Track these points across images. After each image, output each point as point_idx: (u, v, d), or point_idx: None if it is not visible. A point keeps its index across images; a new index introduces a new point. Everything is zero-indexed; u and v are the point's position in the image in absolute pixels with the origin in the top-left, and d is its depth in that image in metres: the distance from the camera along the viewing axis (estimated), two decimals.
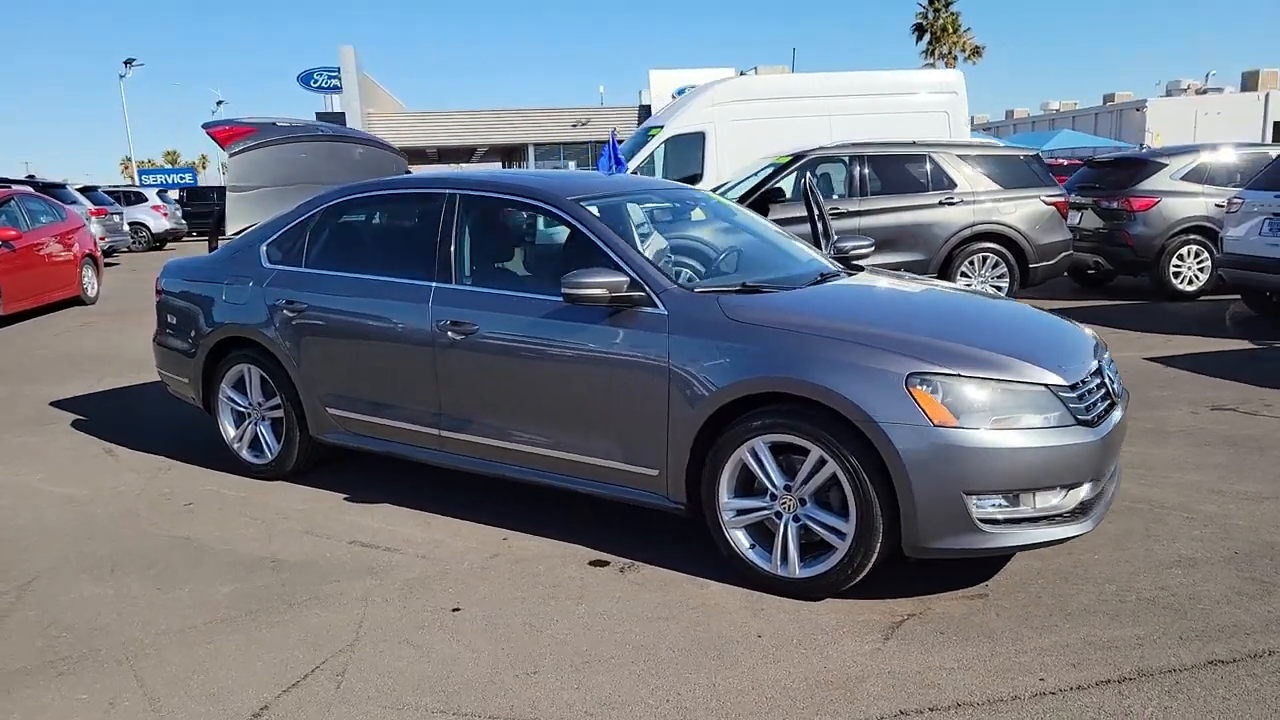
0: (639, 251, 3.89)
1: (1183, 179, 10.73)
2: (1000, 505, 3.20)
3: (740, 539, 3.55)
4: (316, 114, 53.16)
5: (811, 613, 3.35)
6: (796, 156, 9.52)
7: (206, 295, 5.09)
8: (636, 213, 4.55)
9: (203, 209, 32.72)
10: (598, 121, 49.52)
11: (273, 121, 5.51)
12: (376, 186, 4.93)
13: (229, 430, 5.09)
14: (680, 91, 13.88)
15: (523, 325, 3.96)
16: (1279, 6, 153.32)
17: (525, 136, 49.26)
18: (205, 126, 5.51)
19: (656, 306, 3.69)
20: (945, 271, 9.56)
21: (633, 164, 11.85)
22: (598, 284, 3.65)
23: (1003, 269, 9.66)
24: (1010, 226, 9.65)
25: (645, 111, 48.03)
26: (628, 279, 3.70)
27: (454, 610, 3.45)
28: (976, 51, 49.97)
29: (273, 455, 4.93)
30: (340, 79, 49.94)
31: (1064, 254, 9.98)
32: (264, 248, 4.95)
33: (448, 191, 4.39)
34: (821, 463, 3.32)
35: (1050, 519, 3.27)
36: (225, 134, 5.37)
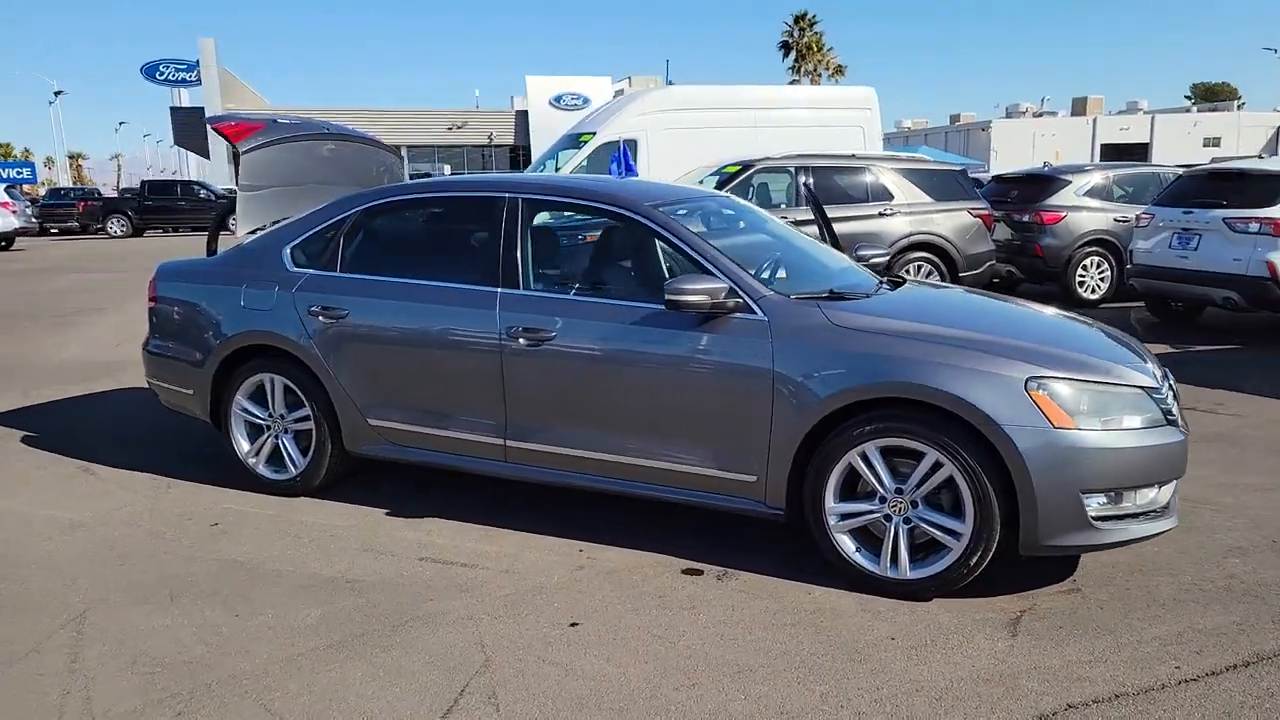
0: (730, 258, 3.89)
1: (1085, 195, 11.53)
2: (1108, 502, 3.37)
3: (846, 543, 3.61)
4: (170, 108, 50.50)
5: (927, 613, 3.43)
6: (745, 165, 9.70)
7: (219, 301, 4.76)
8: (699, 220, 4.55)
9: (66, 206, 30.84)
10: (475, 124, 48.87)
11: (274, 118, 5.20)
12: (419, 189, 4.74)
13: (242, 444, 4.77)
14: (618, 94, 13.83)
15: (607, 332, 3.90)
16: (1101, 41, 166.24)
17: (398, 138, 47.99)
18: (211, 122, 5.14)
19: (754, 313, 3.70)
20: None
21: (566, 169, 11.79)
22: (701, 290, 3.64)
23: (936, 277, 10.12)
24: (942, 236, 10.12)
25: (522, 117, 47.78)
26: (726, 285, 3.70)
27: (572, 625, 3.36)
28: (840, 70, 52.00)
29: (297, 470, 4.65)
30: (193, 72, 47.50)
31: (988, 263, 10.55)
32: (288, 251, 4.67)
33: (508, 195, 4.27)
34: (937, 465, 3.41)
35: (1147, 515, 3.47)
36: (234, 130, 5.03)
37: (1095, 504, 3.35)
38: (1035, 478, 3.28)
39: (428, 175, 46.01)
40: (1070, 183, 11.56)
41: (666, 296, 3.67)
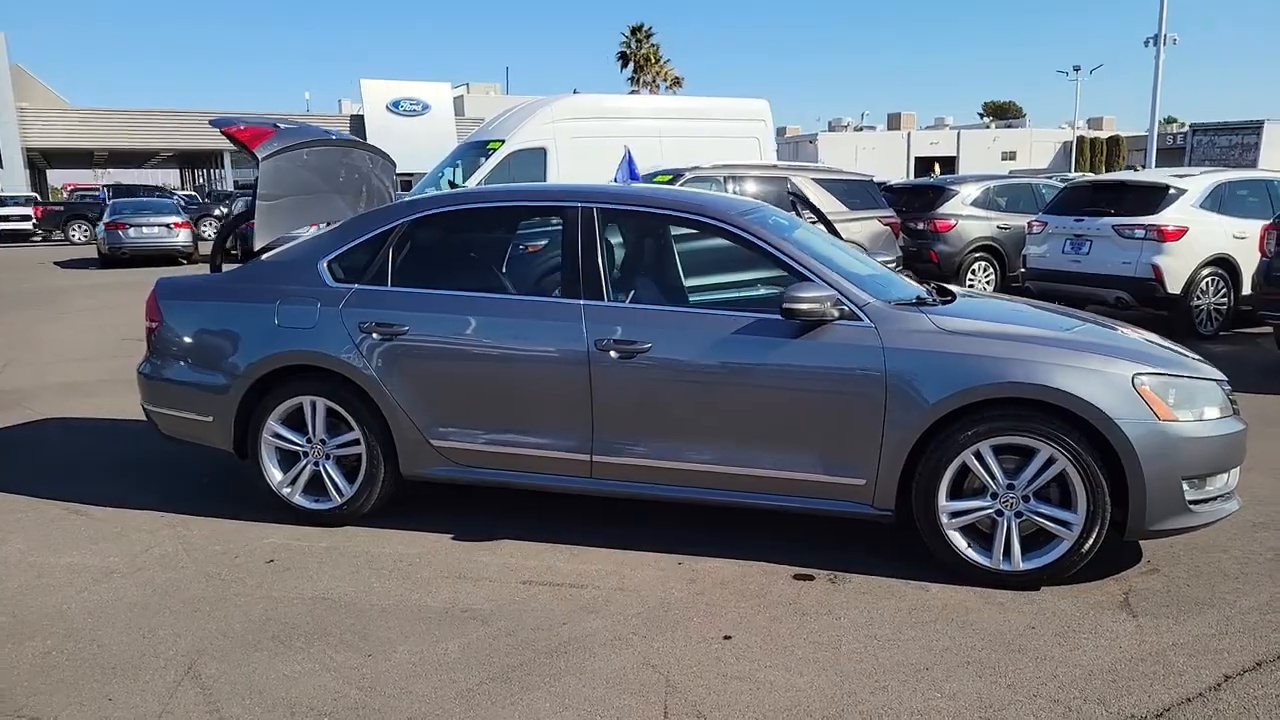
0: (830, 267, 3.96)
1: (972, 205, 12.35)
2: (1197, 487, 3.67)
3: (958, 540, 3.74)
4: None
5: (1045, 602, 3.61)
6: (675, 175, 9.80)
7: (246, 320, 4.40)
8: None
9: None
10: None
11: (273, 122, 4.84)
12: (475, 199, 4.56)
13: (274, 473, 4.42)
14: (509, 110, 13.56)
15: (709, 343, 3.88)
16: (907, 59, 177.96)
17: (218, 142, 45.22)
18: (218, 125, 4.72)
19: (861, 320, 3.79)
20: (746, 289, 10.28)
21: (476, 177, 11.55)
22: (816, 299, 3.70)
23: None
24: (858, 244, 10.55)
25: (358, 121, 46.10)
26: (834, 294, 3.77)
27: (726, 638, 3.33)
28: (677, 81, 53.17)
29: (343, 497, 4.36)
30: None
31: (897, 270, 11.10)
32: (325, 264, 4.38)
33: (579, 205, 4.17)
34: (1050, 461, 3.60)
35: (1222, 498, 3.79)
36: (248, 134, 4.64)
37: (1190, 489, 3.63)
38: (1145, 467, 3.52)
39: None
40: (958, 193, 12.35)
41: (783, 305, 3.70)
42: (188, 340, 4.53)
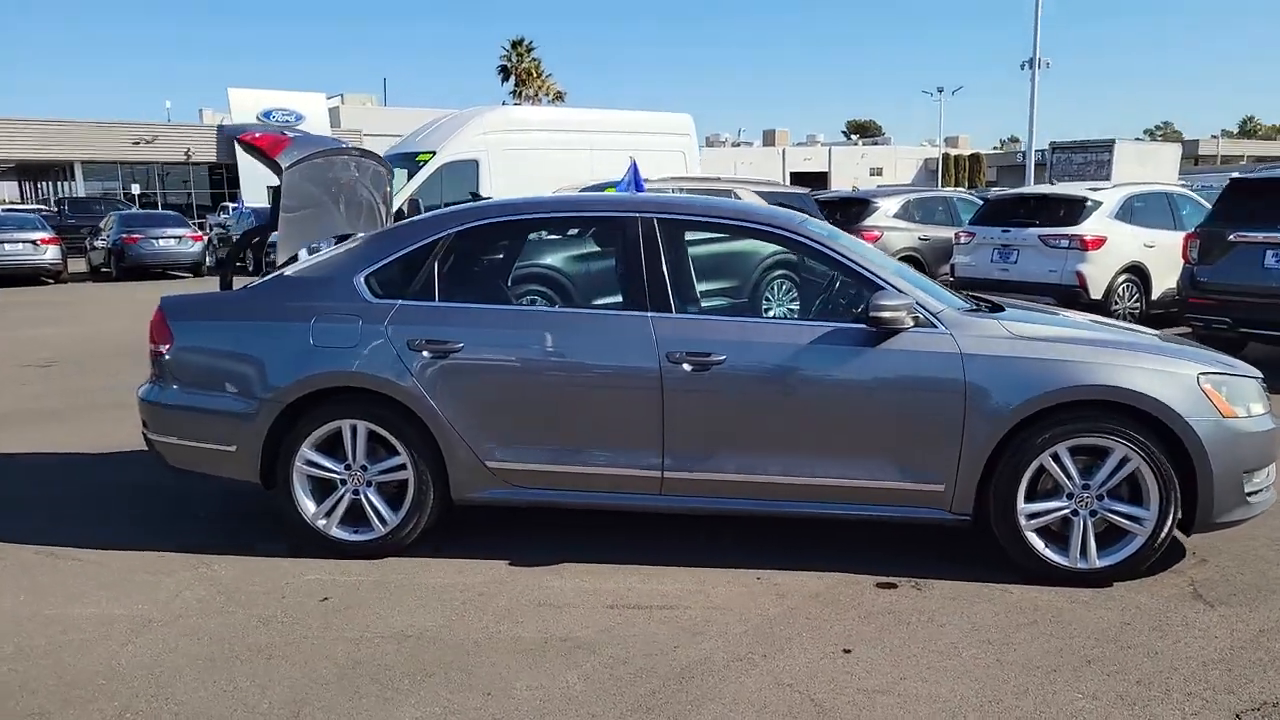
0: (901, 275, 3.98)
1: (894, 217, 12.78)
2: (1250, 480, 3.85)
3: (1036, 541, 3.81)
4: None
5: (1124, 597, 3.71)
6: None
7: (274, 340, 4.08)
8: None
9: None
10: (167, 139, 44.28)
11: (283, 130, 4.54)
12: (523, 210, 4.35)
13: (308, 505, 4.12)
14: (404, 135, 13.07)
15: (785, 353, 3.84)
16: (787, 77, 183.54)
17: (69, 153, 42.49)
18: (233, 134, 4.37)
19: (936, 327, 3.83)
20: (753, 298, 10.40)
21: (409, 189, 11.20)
22: (900, 307, 3.71)
23: (794, 294, 10.74)
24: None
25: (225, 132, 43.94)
26: (911, 301, 3.80)
27: (846, 651, 3.28)
28: (559, 96, 53.16)
29: (387, 527, 4.09)
30: None
31: None
32: (361, 280, 4.12)
33: (640, 215, 4.07)
34: (1124, 460, 3.72)
35: (1267, 489, 3.99)
36: (268, 141, 4.31)
37: (1247, 483, 3.81)
38: (1214, 463, 3.68)
39: (128, 194, 41.06)
40: (880, 206, 12.76)
41: (870, 314, 3.70)
42: (206, 363, 4.18)
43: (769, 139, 67.67)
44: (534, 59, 52.35)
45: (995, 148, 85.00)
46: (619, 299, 4.02)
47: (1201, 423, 3.67)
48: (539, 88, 51.74)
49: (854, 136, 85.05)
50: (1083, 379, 3.70)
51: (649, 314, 3.93)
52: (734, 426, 3.88)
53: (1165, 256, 10.56)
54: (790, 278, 10.64)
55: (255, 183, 41.95)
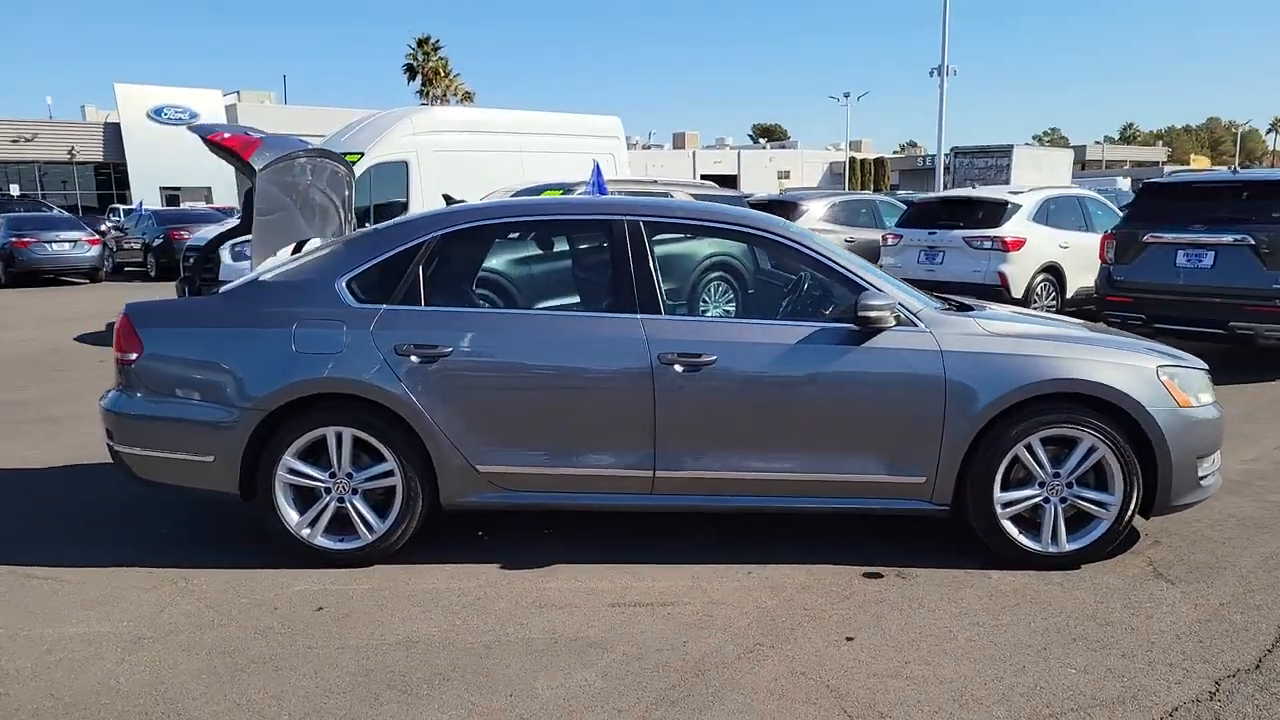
0: (876, 276, 4.13)
1: (821, 220, 13.08)
2: (1202, 465, 4.11)
3: (1010, 528, 4.01)
4: None
5: (1094, 578, 3.92)
6: (567, 190, 9.76)
7: (253, 346, 4.00)
8: None
9: None
10: (49, 137, 42.14)
11: (248, 130, 4.41)
12: (507, 212, 4.35)
13: (291, 514, 4.04)
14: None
15: (775, 352, 3.94)
16: (685, 79, 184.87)
17: None
18: (200, 132, 4.21)
19: (916, 325, 3.99)
20: (691, 297, 10.53)
21: None
22: (885, 306, 3.86)
23: (731, 295, 10.92)
24: (735, 258, 10.93)
25: (113, 130, 42.12)
26: (893, 301, 3.95)
27: (848, 639, 3.40)
28: (468, 96, 52.53)
29: (374, 534, 4.05)
30: None
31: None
32: (343, 284, 4.07)
33: (626, 218, 4.12)
34: (1092, 449, 3.94)
35: (1215, 473, 4.27)
36: (239, 142, 4.18)
37: (1199, 467, 4.08)
38: (1172, 450, 3.93)
39: (5, 194, 38.76)
40: (808, 209, 13.06)
41: (859, 314, 3.84)
42: (179, 371, 4.06)
43: (679, 141, 68.27)
44: (441, 58, 51.64)
45: (895, 152, 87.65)
46: (607, 301, 4.06)
47: (1161, 412, 3.92)
48: (447, 87, 51.06)
49: (762, 140, 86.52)
50: (1055, 373, 3.90)
51: (639, 316, 3.99)
52: (724, 425, 3.97)
53: (1078, 256, 11.11)
54: (727, 279, 10.82)
55: (146, 183, 40.41)
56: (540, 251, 4.54)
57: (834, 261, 4.11)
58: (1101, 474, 3.98)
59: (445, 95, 51.28)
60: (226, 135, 4.23)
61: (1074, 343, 4.05)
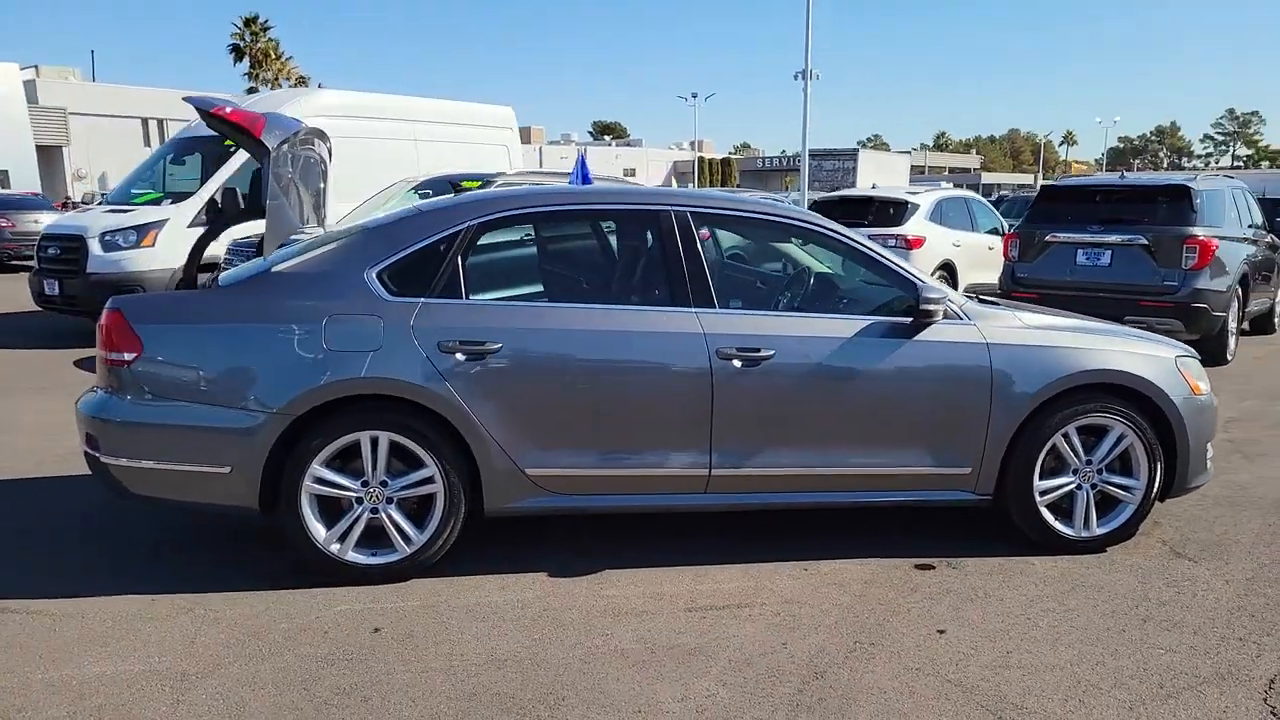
0: (920, 271, 4.16)
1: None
2: (1208, 449, 4.37)
3: (1047, 515, 4.13)
4: None
5: (1123, 560, 4.09)
6: (486, 182, 9.42)
7: (276, 344, 3.60)
8: None
9: None
10: None
11: (235, 105, 3.95)
12: (549, 199, 4.08)
13: (318, 529, 3.68)
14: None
15: (832, 346, 3.90)
16: (531, 73, 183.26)
17: None
18: (202, 105, 3.72)
19: (961, 318, 4.04)
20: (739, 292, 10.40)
21: (220, 175, 10.21)
22: (941, 300, 3.89)
23: (771, 289, 10.83)
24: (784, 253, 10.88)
25: None
26: (946, 294, 3.99)
27: (940, 632, 3.40)
28: (303, 80, 50.14)
29: (413, 546, 3.74)
30: None
31: None
32: (373, 275, 3.73)
33: (671, 207, 3.98)
34: (1121, 436, 4.11)
35: (1212, 457, 4.54)
36: (245, 118, 3.73)
37: (1207, 451, 4.34)
38: (1190, 436, 4.16)
39: None
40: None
41: (923, 307, 3.86)
42: (188, 372, 3.61)
43: (525, 136, 67.34)
44: (270, 39, 49.05)
45: (731, 152, 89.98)
46: (660, 294, 3.91)
47: (1180, 400, 4.14)
48: (278, 71, 48.55)
49: (606, 137, 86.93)
50: (1092, 364, 4.04)
51: (695, 310, 3.86)
52: (780, 421, 3.90)
53: (968, 255, 11.72)
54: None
55: None
56: (581, 241, 4.32)
57: (882, 257, 4.11)
58: (1126, 460, 4.16)
59: (276, 79, 48.76)
60: (229, 110, 3.79)
61: (1101, 334, 4.22)
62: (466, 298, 3.78)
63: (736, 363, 3.81)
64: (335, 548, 3.70)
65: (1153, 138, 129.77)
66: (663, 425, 3.83)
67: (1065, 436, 4.07)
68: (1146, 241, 8.78)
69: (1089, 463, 4.12)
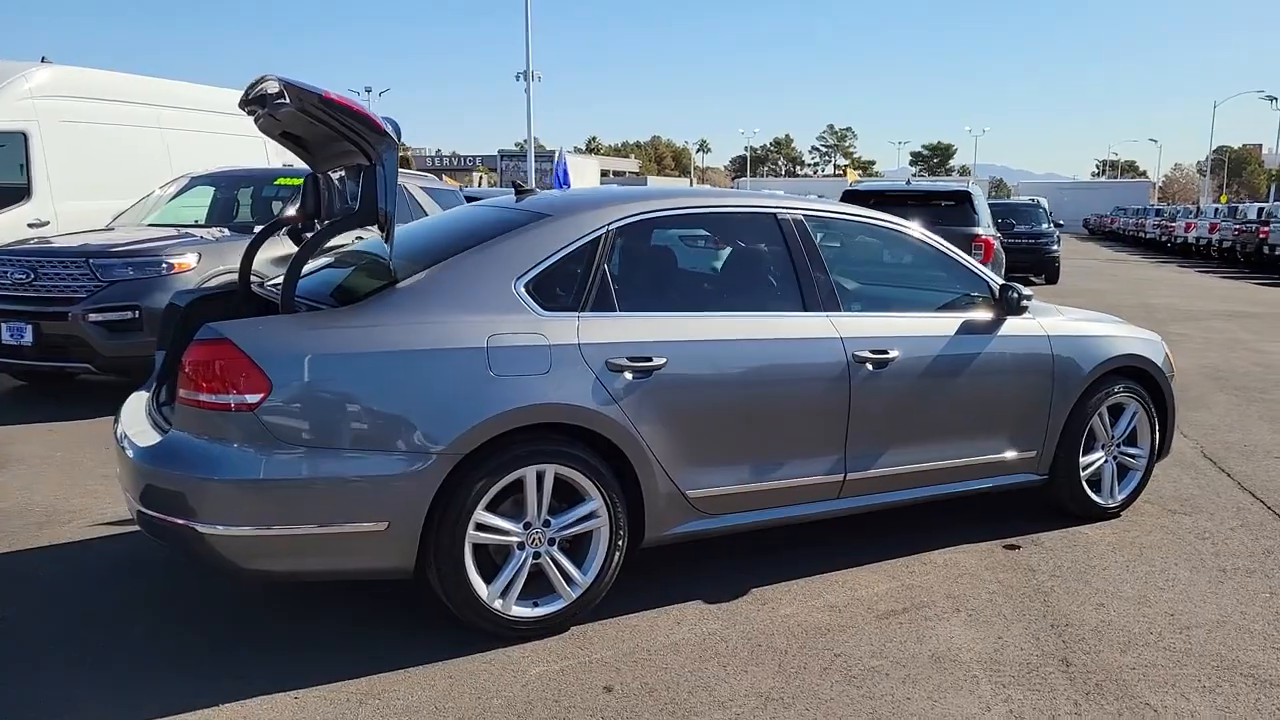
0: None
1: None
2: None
3: (1087, 488, 4.58)
4: None
5: (1138, 521, 4.63)
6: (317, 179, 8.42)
7: (435, 371, 3.04)
8: None
9: None
10: None
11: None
12: (672, 201, 3.73)
13: (480, 585, 3.17)
14: None
15: (942, 344, 4.03)
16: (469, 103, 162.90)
17: None
18: (311, 91, 2.91)
19: (1027, 313, 4.36)
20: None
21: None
22: (1031, 296, 4.18)
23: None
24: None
25: None
26: (1028, 292, 4.28)
27: (1099, 606, 3.66)
28: None
29: (578, 590, 3.33)
30: None
31: None
32: (522, 288, 3.27)
33: (784, 211, 3.89)
34: (1135, 412, 4.67)
35: None
36: (363, 111, 2.99)
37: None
38: (1173, 409, 4.82)
39: None
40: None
41: (1020, 304, 4.12)
42: (331, 414, 2.93)
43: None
44: None
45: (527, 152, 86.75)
46: (790, 299, 3.79)
47: (1168, 379, 4.78)
48: None
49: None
50: (1120, 350, 4.54)
51: (828, 314, 3.81)
52: (902, 420, 3.97)
53: None
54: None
55: None
56: (707, 246, 4.05)
57: (961, 258, 4.32)
58: (1133, 432, 4.72)
59: None
60: (335, 96, 3.11)
61: (1115, 324, 4.76)
62: (619, 309, 3.43)
63: (868, 365, 3.81)
64: (498, 604, 3.19)
65: (772, 148, 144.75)
66: (807, 432, 3.75)
67: (1100, 415, 4.54)
68: None
69: (1113, 438, 4.62)
